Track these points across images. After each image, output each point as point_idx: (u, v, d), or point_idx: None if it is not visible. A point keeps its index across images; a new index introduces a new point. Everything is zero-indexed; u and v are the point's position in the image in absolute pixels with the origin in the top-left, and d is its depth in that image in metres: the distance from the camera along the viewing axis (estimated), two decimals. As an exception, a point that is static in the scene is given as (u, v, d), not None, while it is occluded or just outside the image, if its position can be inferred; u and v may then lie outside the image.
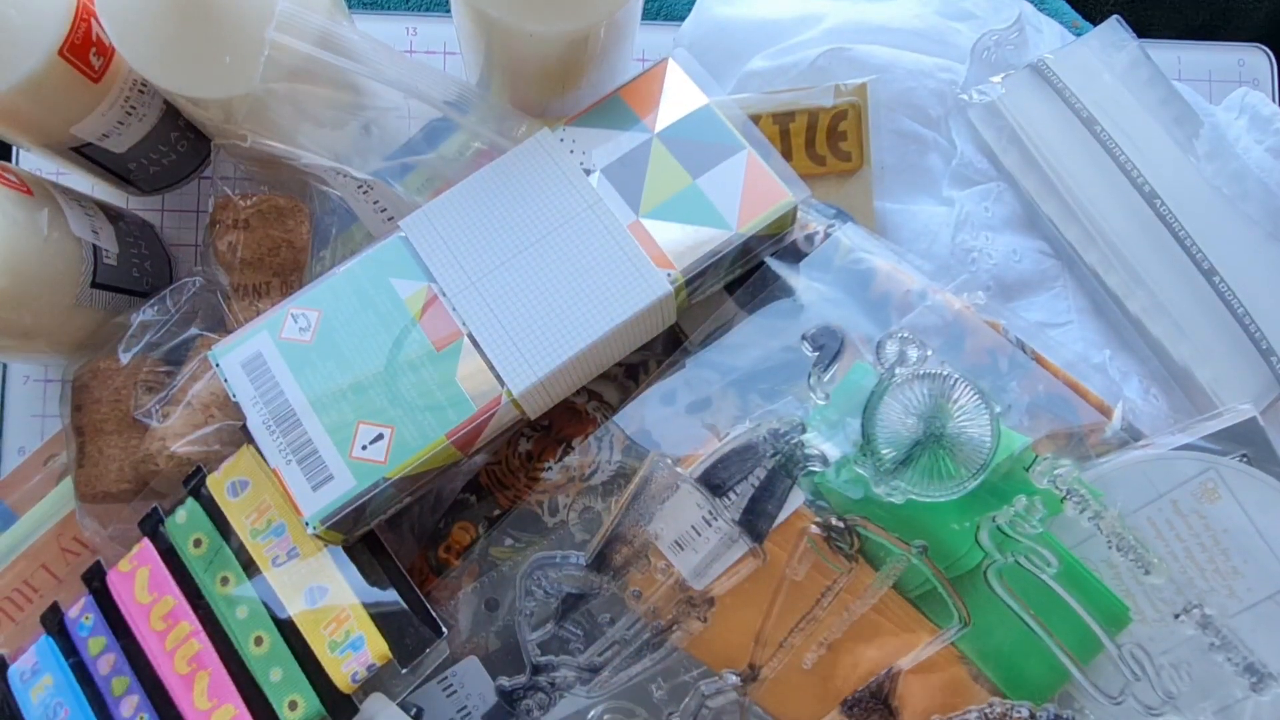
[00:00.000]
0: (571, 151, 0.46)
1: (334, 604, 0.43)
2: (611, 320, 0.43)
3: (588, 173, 0.45)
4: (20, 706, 0.43)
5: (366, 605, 0.43)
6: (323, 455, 0.42)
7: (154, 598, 0.43)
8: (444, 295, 0.44)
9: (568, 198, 0.45)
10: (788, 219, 0.47)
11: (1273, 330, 0.50)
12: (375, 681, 0.43)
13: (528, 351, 0.43)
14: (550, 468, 0.48)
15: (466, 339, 0.43)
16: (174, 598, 0.43)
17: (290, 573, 0.43)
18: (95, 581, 0.44)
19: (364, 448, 0.42)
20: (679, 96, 0.46)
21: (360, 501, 0.42)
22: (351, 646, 0.42)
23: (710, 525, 0.43)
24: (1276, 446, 0.46)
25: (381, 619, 0.43)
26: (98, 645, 0.43)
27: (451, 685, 0.46)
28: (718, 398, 0.48)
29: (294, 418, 0.43)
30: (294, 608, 0.43)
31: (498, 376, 0.43)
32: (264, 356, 0.43)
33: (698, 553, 0.43)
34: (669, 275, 0.44)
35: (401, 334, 0.44)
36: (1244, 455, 0.46)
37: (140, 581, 0.43)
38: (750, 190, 0.45)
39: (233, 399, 0.43)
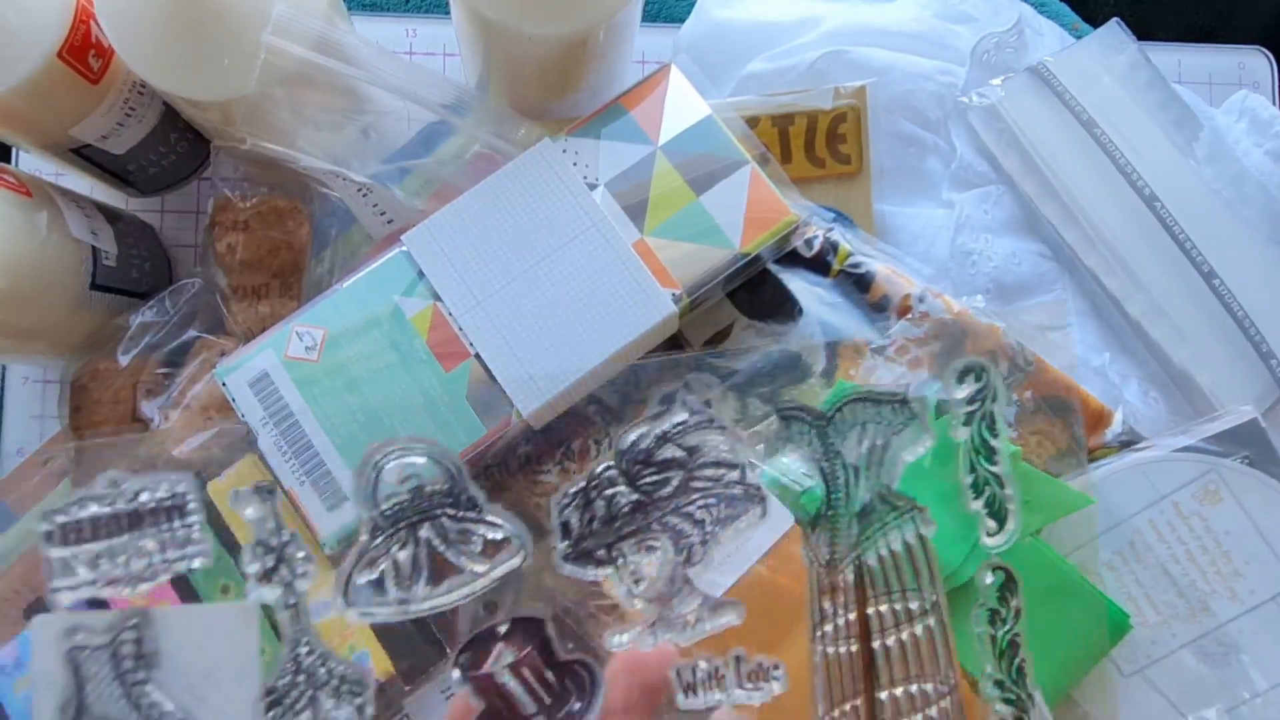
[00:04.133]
0: (574, 164, 0.46)
1: (338, 618, 0.43)
2: (618, 341, 0.44)
3: (591, 187, 0.45)
4: (1, 700, 0.43)
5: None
6: (336, 477, 0.43)
7: (149, 602, 0.43)
8: (450, 315, 0.44)
9: (572, 215, 0.45)
10: (791, 235, 0.47)
11: (1273, 333, 0.50)
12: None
13: (535, 373, 0.43)
14: (549, 470, 0.48)
15: (474, 360, 0.43)
16: (170, 602, 0.43)
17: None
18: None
19: None
20: (681, 106, 0.46)
21: None
22: (356, 661, 0.42)
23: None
24: (1278, 448, 0.46)
25: (386, 635, 0.43)
26: (86, 644, 0.43)
27: (449, 689, 0.46)
28: (718, 401, 0.48)
29: (305, 439, 0.43)
30: (297, 622, 0.43)
31: (506, 398, 0.43)
32: (270, 376, 0.44)
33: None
34: (673, 295, 0.44)
35: (409, 354, 0.44)
36: (1245, 457, 0.46)
37: (135, 584, 0.43)
38: (754, 208, 0.45)
39: (241, 419, 0.44)
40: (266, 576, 0.33)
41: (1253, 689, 0.44)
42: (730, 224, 0.45)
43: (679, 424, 0.35)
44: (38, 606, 0.44)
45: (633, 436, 0.35)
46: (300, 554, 0.32)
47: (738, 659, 0.36)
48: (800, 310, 0.48)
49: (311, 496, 0.43)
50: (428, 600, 0.34)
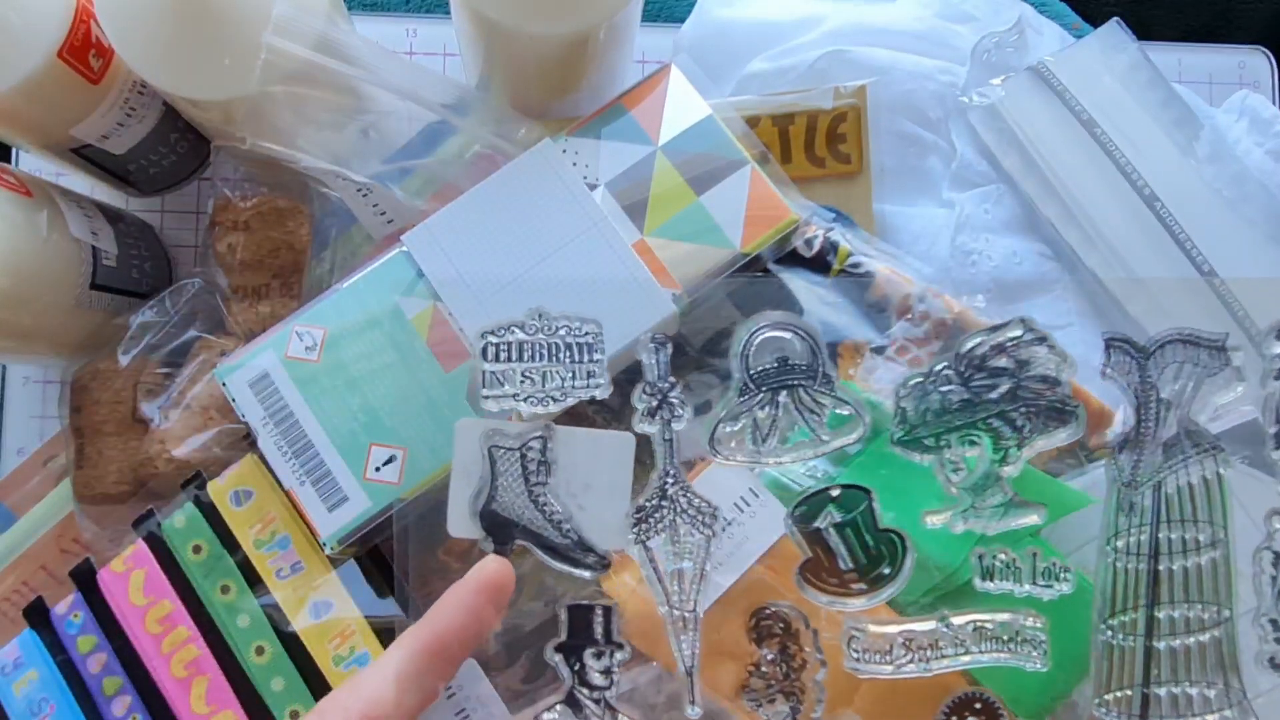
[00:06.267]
0: (574, 164, 0.46)
1: (339, 618, 0.43)
2: (618, 342, 0.43)
3: (591, 187, 0.45)
4: (1, 700, 0.43)
5: (371, 621, 0.43)
6: (336, 478, 0.43)
7: (150, 600, 0.43)
8: (451, 315, 0.44)
9: (572, 215, 0.45)
10: (791, 235, 0.47)
11: (1273, 333, 0.50)
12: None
13: None
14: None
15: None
16: (171, 602, 0.43)
17: (294, 586, 0.43)
18: (84, 579, 0.44)
19: (377, 469, 0.43)
20: (682, 106, 0.46)
21: (376, 522, 0.42)
22: (356, 661, 0.42)
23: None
24: (1278, 449, 0.46)
25: (387, 635, 0.43)
26: (88, 644, 0.43)
27: (450, 688, 0.46)
28: (719, 401, 0.48)
29: (306, 440, 0.43)
30: (299, 622, 0.43)
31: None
32: (271, 376, 0.44)
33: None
34: (673, 295, 0.44)
35: (409, 354, 0.44)
36: (1245, 457, 0.46)
37: (135, 583, 0.43)
38: (754, 208, 0.45)
39: (241, 419, 0.43)
40: (650, 414, 0.38)
41: (1254, 689, 0.44)
42: (730, 224, 0.45)
43: (1014, 338, 0.38)
44: (38, 606, 0.44)
45: (972, 343, 0.38)
46: (677, 400, 0.37)
47: (1034, 555, 0.39)
48: (800, 310, 0.48)
49: (311, 496, 0.43)
50: (775, 455, 0.38)
